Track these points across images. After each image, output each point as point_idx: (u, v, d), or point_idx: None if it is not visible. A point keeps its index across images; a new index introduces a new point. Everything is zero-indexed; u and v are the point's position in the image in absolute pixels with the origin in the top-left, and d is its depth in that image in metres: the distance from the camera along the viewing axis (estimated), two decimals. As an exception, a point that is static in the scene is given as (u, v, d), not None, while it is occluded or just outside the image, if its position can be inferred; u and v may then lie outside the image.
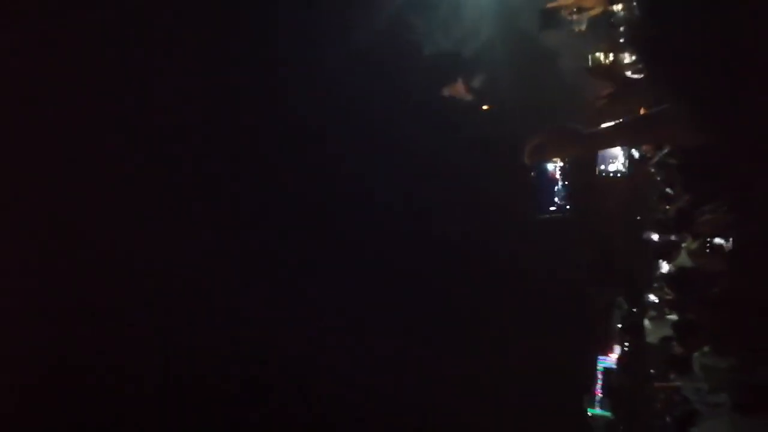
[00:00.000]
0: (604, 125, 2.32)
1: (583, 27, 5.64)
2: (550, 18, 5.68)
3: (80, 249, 11.96)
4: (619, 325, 9.57)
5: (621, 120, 2.37)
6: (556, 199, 2.55)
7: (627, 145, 7.57)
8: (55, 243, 11.73)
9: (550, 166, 2.49)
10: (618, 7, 6.14)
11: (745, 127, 1.59)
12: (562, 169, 2.49)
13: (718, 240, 6.17)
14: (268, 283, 12.96)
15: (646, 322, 7.49)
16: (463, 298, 12.98)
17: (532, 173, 2.50)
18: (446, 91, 10.35)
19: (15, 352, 10.98)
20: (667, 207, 7.63)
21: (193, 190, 12.70)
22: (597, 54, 5.44)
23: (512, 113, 9.64)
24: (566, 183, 2.53)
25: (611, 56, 5.29)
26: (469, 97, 10.28)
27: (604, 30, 5.91)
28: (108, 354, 12.37)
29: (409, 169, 12.65)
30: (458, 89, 10.21)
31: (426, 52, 10.22)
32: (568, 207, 2.54)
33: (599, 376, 10.72)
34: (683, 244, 6.88)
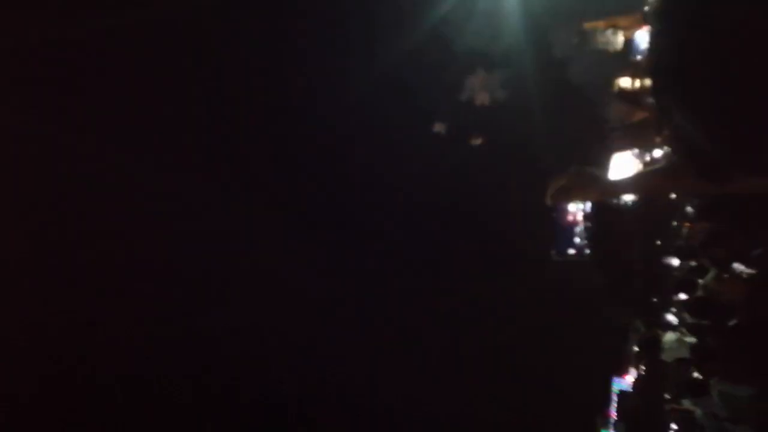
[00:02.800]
0: (625, 175, 2.35)
1: (618, 47, 5.65)
2: (586, 37, 5.71)
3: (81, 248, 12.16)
4: (636, 348, 9.51)
5: (641, 170, 2.41)
6: (576, 240, 2.55)
7: (646, 194, 7.58)
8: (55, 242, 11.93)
9: (571, 207, 2.50)
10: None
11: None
12: (584, 211, 2.49)
13: (737, 266, 6.15)
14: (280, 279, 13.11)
15: (664, 343, 7.46)
16: (477, 320, 12.99)
17: (553, 214, 2.50)
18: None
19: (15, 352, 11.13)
20: (688, 229, 7.62)
21: (228, 192, 12.94)
22: (624, 78, 5.49)
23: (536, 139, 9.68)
24: (588, 225, 2.54)
25: (638, 82, 5.32)
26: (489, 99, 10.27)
27: (637, 51, 5.92)
28: (109, 353, 12.48)
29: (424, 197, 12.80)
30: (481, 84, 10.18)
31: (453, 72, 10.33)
32: (588, 250, 2.54)
33: (614, 398, 10.63)
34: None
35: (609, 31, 5.34)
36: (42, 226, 11.84)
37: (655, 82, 1.84)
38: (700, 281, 6.70)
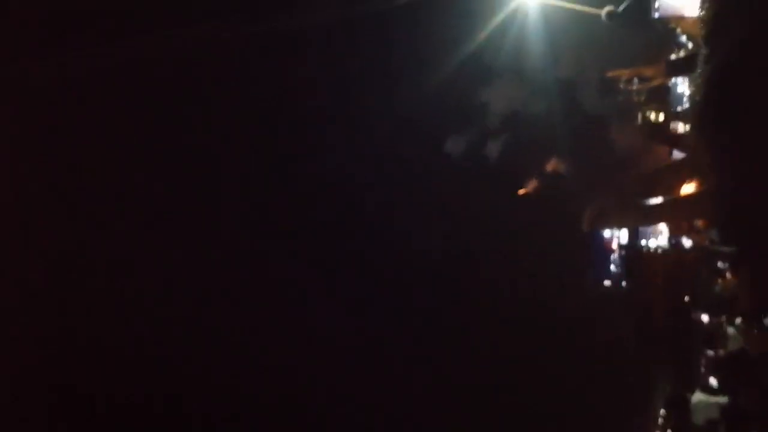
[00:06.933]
0: (661, 199, 2.28)
1: (642, 97, 5.64)
2: (610, 86, 5.74)
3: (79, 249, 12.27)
4: (663, 408, 9.10)
5: (674, 196, 2.33)
6: (612, 267, 2.49)
7: (683, 219, 7.47)
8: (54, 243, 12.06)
9: (606, 234, 2.46)
10: (679, 80, 6.19)
11: None
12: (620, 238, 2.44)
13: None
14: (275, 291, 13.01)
15: (693, 403, 7.09)
16: (508, 356, 12.61)
17: (590, 242, 2.45)
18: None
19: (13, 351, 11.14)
20: (718, 283, 7.37)
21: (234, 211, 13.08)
22: (648, 114, 5.45)
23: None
24: (623, 253, 2.48)
25: (662, 116, 5.28)
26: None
27: (662, 100, 5.91)
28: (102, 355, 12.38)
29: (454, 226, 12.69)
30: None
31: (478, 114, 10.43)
32: (623, 282, 2.48)
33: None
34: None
35: (633, 81, 5.34)
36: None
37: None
38: (730, 335, 6.43)
